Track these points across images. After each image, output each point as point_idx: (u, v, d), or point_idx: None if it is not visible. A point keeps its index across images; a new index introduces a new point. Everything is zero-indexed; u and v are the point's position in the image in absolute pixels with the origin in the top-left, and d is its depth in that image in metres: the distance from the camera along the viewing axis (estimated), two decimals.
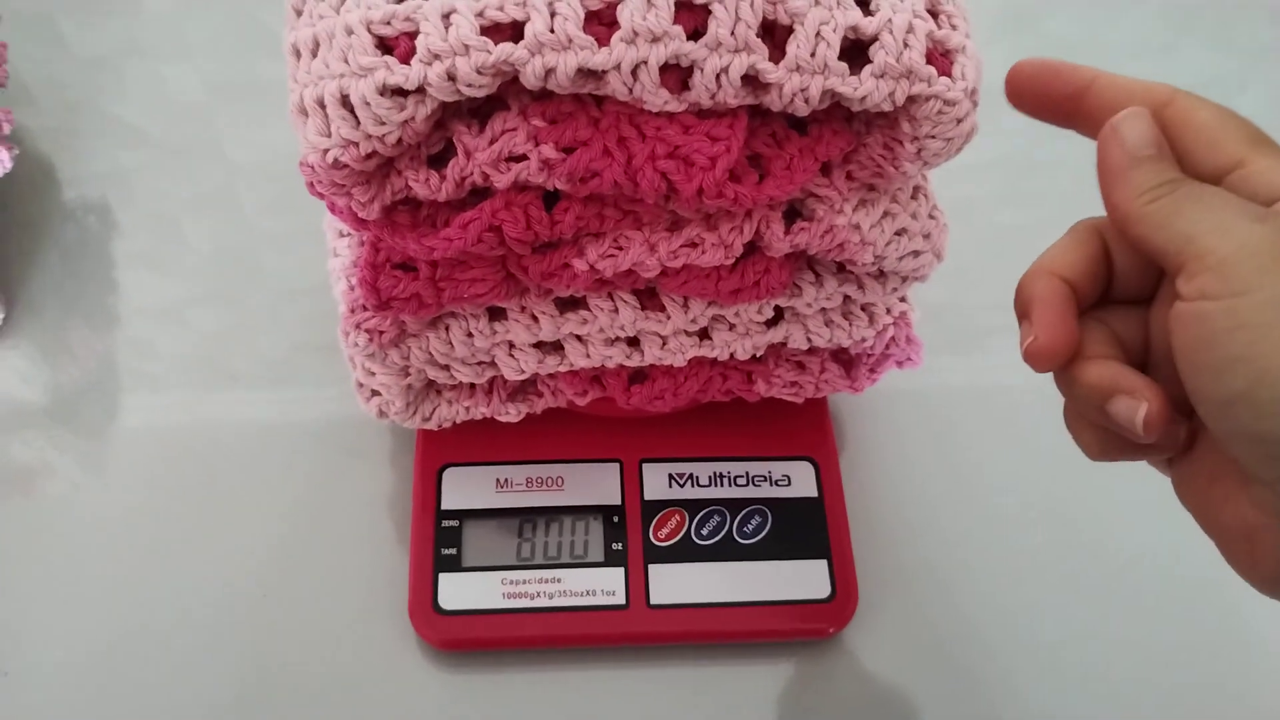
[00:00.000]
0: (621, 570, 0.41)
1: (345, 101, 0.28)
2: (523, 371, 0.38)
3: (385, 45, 0.28)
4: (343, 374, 0.46)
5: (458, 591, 0.40)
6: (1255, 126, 0.27)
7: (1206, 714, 0.41)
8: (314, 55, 0.29)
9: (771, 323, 0.38)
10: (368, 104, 0.28)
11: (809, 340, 0.38)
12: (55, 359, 0.48)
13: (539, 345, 0.38)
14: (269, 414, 0.46)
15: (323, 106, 0.29)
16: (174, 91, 0.56)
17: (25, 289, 0.49)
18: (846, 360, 0.41)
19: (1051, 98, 0.29)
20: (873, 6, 0.29)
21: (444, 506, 0.42)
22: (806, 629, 0.41)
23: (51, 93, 0.56)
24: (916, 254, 0.35)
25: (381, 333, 0.36)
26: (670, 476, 0.43)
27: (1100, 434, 0.28)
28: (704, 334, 0.38)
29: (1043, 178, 0.56)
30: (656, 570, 0.41)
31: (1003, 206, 0.55)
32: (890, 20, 0.29)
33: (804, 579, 0.41)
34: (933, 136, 0.30)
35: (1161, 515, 0.43)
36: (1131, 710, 0.41)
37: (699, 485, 0.43)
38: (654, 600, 0.40)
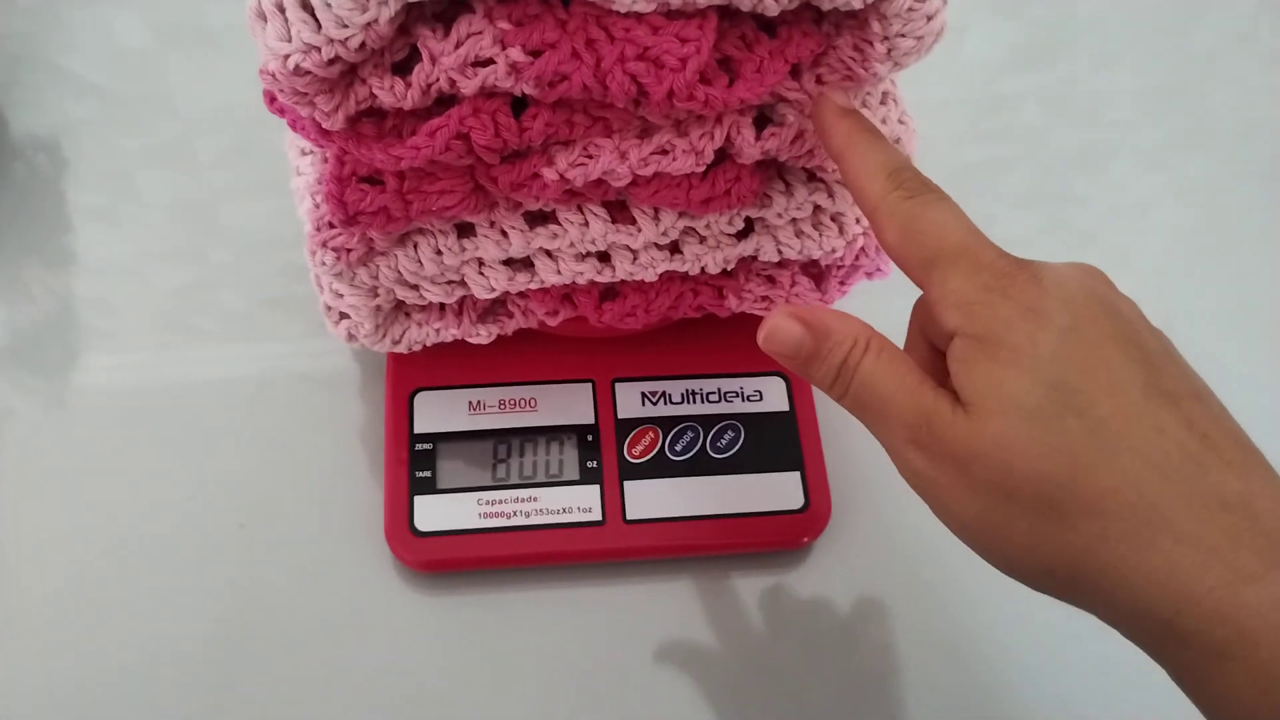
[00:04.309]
0: (597, 488, 0.41)
1: (305, 4, 0.28)
2: (493, 290, 0.38)
3: None
4: (305, 328, 0.45)
5: (434, 513, 0.40)
6: (948, 231, 0.28)
7: None
8: None
9: (742, 235, 0.38)
10: (329, 5, 0.27)
11: (779, 252, 0.38)
12: (13, 300, 0.47)
13: (509, 262, 0.37)
14: (237, 367, 0.45)
15: (282, 10, 0.28)
16: (121, 39, 0.54)
17: None
18: (816, 273, 0.41)
19: None
20: None
21: (417, 430, 0.41)
22: (781, 539, 0.41)
23: None
24: None
25: (349, 250, 0.35)
26: (643, 395, 0.43)
27: None
28: (674, 248, 0.38)
29: (1006, 113, 0.56)
30: (632, 486, 0.41)
31: (964, 145, 0.55)
32: None
33: (777, 491, 0.41)
34: (903, 35, 0.30)
35: None
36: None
37: (672, 403, 0.43)
38: (630, 516, 0.40)
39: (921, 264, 0.28)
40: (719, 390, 0.43)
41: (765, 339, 0.30)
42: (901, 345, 0.31)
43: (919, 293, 0.30)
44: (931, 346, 0.30)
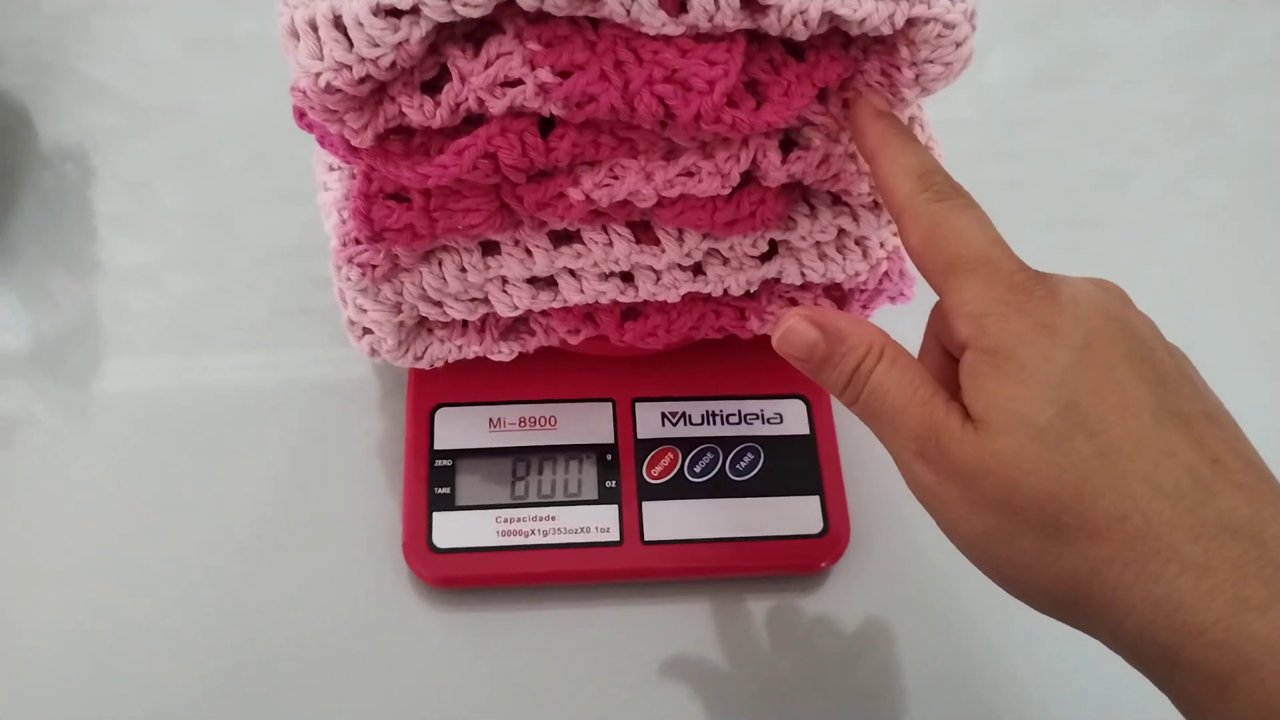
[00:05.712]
0: (615, 508, 0.41)
1: (338, 23, 0.28)
2: (516, 307, 0.38)
3: None
4: (325, 337, 0.46)
5: (452, 530, 0.40)
6: (970, 238, 0.28)
7: None
8: None
9: (765, 257, 0.38)
10: (361, 25, 0.27)
11: (802, 275, 0.38)
12: (37, 306, 0.47)
13: (532, 280, 0.38)
14: (258, 376, 0.45)
15: (314, 29, 0.28)
16: (145, 48, 0.55)
17: (4, 236, 0.48)
18: (839, 296, 0.41)
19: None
20: None
21: (437, 446, 0.41)
22: (799, 564, 0.41)
23: (20, 51, 0.54)
24: None
25: (374, 266, 0.35)
26: (663, 415, 0.43)
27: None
28: (698, 269, 0.38)
29: (1026, 135, 0.56)
30: (650, 507, 0.41)
31: (984, 165, 0.55)
32: None
33: (796, 515, 0.41)
34: (931, 61, 0.30)
35: None
36: None
37: (692, 424, 0.43)
38: (648, 537, 0.40)
39: (940, 270, 0.28)
40: (739, 412, 0.43)
41: (779, 340, 0.30)
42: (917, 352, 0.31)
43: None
44: (945, 353, 0.29)
